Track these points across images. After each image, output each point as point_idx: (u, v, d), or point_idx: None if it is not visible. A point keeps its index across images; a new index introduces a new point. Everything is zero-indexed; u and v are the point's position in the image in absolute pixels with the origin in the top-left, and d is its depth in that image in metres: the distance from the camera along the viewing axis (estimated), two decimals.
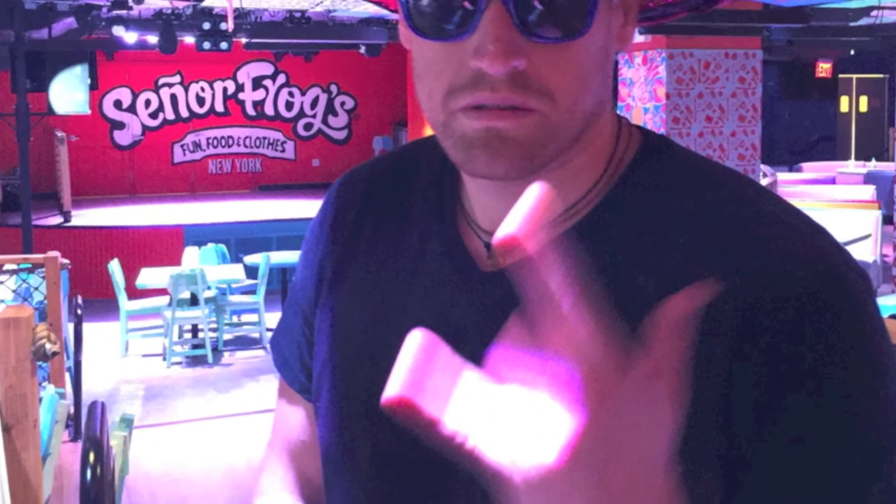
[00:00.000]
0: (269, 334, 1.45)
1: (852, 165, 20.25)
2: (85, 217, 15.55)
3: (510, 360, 0.68)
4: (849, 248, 8.00)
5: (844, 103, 23.48)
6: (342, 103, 21.22)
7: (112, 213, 16.38)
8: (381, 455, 1.04)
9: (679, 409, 0.67)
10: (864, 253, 11.01)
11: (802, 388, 0.85)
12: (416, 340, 0.69)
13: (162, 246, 13.86)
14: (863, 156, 21.77)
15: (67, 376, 7.28)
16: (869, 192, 15.38)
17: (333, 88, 21.09)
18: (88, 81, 13.89)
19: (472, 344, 0.79)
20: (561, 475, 0.65)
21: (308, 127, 21.09)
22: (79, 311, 7.55)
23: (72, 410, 6.96)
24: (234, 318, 11.60)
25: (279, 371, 1.30)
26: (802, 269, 0.88)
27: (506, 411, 0.67)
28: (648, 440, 0.67)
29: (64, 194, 15.55)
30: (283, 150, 20.95)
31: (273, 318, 10.13)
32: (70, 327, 7.61)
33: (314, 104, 21.10)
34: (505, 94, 0.89)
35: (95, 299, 12.03)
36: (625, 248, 0.95)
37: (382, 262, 1.09)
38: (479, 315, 0.99)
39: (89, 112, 14.93)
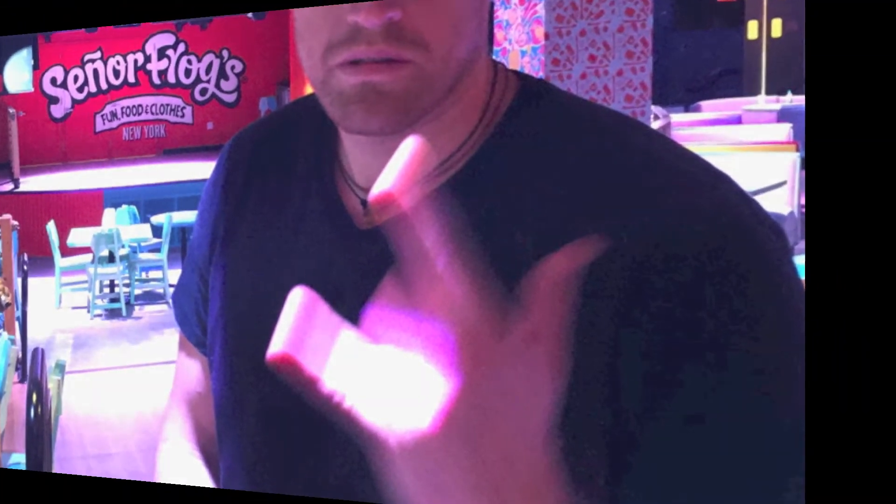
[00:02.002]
0: (172, 290, 1.40)
1: (762, 101, 14.42)
2: (30, 184, 15.72)
3: (385, 320, 0.59)
4: (760, 197, 6.23)
5: (753, 29, 16.88)
6: (232, 67, 20.65)
7: (50, 179, 16.46)
8: (267, 410, 0.94)
9: (559, 378, 0.57)
10: (778, 203, 8.11)
11: (701, 360, 0.68)
12: (296, 298, 0.61)
13: (87, 208, 13.94)
14: (776, 89, 15.39)
15: (17, 325, 7.35)
16: (784, 131, 11.03)
17: (225, 53, 20.52)
18: (32, 62, 14.10)
19: (350, 303, 0.67)
20: (435, 441, 0.56)
21: (203, 92, 20.53)
22: (25, 268, 7.68)
23: (20, 355, 7.02)
24: (143, 275, 11.56)
25: (179, 325, 1.20)
26: (701, 223, 0.71)
27: (381, 372, 0.58)
28: (525, 409, 0.57)
29: (14, 164, 15.93)
30: (183, 116, 20.48)
31: (176, 275, 10.05)
32: (19, 282, 7.66)
33: (209, 70, 20.53)
34: (380, 47, 0.77)
35: (38, 257, 12.00)
36: (501, 203, 0.79)
37: (268, 222, 0.98)
38: (356, 273, 0.86)
39: (32, 89, 15.28)
